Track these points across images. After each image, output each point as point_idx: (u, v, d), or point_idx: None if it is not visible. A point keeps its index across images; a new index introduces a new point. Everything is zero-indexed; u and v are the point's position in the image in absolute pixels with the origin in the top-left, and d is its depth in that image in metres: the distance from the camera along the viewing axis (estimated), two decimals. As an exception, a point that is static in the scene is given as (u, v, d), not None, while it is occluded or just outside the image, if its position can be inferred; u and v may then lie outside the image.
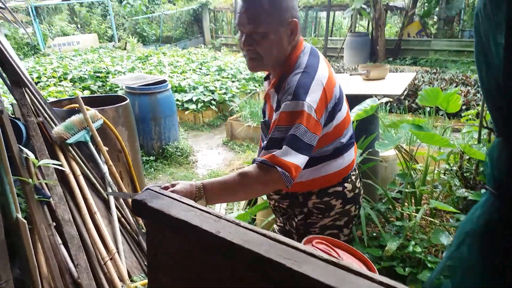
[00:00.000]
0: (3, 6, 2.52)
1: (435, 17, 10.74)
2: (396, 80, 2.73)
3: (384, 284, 0.60)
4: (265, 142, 1.24)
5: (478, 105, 4.83)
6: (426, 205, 2.29)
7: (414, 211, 2.28)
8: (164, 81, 4.62)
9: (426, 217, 2.40)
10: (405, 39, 10.30)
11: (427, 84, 6.13)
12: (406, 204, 2.41)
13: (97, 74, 7.09)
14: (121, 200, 2.42)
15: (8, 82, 2.23)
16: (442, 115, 4.72)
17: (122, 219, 2.34)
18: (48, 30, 12.43)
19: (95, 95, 5.85)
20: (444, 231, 1.98)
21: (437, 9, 10.40)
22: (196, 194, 1.11)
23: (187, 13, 14.53)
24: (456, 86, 6.15)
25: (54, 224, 1.93)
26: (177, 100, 5.70)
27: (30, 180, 1.87)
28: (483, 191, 2.21)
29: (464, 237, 0.80)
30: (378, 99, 2.42)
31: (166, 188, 1.10)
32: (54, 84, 6.42)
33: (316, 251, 0.72)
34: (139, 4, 14.23)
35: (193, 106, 5.75)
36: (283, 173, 1.13)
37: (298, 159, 1.17)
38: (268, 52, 1.29)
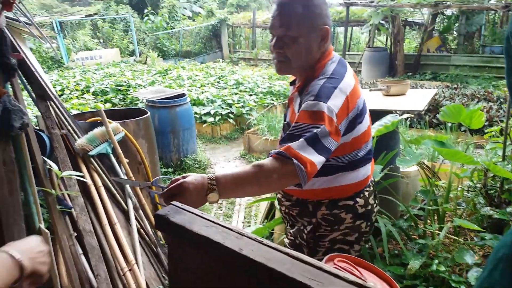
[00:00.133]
0: (29, 22, 2.62)
1: (455, 32, 10.64)
2: (417, 96, 2.70)
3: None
4: (283, 137, 1.22)
5: (501, 121, 4.72)
6: (449, 223, 2.23)
7: (437, 229, 2.23)
8: (183, 94, 4.69)
9: (450, 235, 2.34)
10: (425, 54, 10.21)
11: (448, 100, 6.04)
12: (428, 221, 2.35)
13: (119, 88, 7.25)
14: (141, 212, 2.44)
15: (33, 95, 2.30)
16: (464, 130, 4.62)
17: (141, 230, 2.35)
18: (72, 44, 12.84)
19: (117, 108, 5.97)
20: (468, 250, 1.93)
21: (457, 24, 10.31)
22: (208, 187, 1.06)
23: (206, 29, 14.82)
24: (478, 102, 6.03)
25: (75, 234, 1.95)
26: (195, 113, 5.77)
27: (53, 191, 1.91)
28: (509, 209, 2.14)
29: (497, 262, 0.77)
30: (400, 115, 2.39)
31: (177, 180, 1.07)
32: (77, 97, 6.59)
33: (341, 271, 0.71)
34: (160, 20, 14.61)
35: (211, 119, 5.80)
36: (298, 166, 1.09)
37: (314, 157, 1.13)
38: (297, 56, 1.30)
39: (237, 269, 0.78)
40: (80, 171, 2.15)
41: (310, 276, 0.66)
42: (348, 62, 1.47)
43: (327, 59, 1.34)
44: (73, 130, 2.31)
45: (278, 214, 2.55)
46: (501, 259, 0.77)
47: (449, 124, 4.59)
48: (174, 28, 14.95)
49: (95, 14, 15.51)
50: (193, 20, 15.79)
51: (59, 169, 1.98)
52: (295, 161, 1.09)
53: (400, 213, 2.57)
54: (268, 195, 2.85)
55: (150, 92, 4.99)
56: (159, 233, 2.52)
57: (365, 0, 9.69)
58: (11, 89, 1.99)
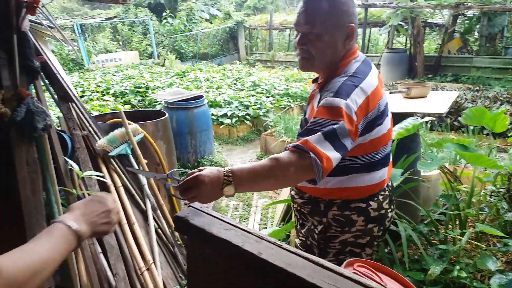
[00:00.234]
0: (52, 25, 2.68)
1: (477, 34, 10.40)
2: (438, 99, 2.65)
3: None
4: (300, 132, 1.21)
5: (526, 124, 4.56)
6: (471, 228, 2.18)
7: (458, 234, 2.17)
8: (201, 96, 4.72)
9: (472, 241, 2.28)
10: (445, 56, 10.02)
11: (469, 102, 5.90)
12: (450, 226, 2.30)
13: (138, 89, 7.36)
14: (159, 212, 2.46)
15: (55, 96, 2.35)
16: (486, 134, 4.51)
17: (159, 230, 2.38)
18: (92, 47, 13.11)
19: (136, 109, 6.06)
20: (491, 256, 1.88)
21: (478, 26, 10.08)
22: (224, 180, 1.04)
23: (223, 31, 14.91)
24: (501, 105, 5.88)
25: (94, 234, 1.98)
26: (213, 114, 5.80)
27: (74, 191, 1.94)
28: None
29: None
30: (421, 118, 2.35)
31: (192, 172, 1.06)
32: (97, 98, 6.72)
33: (362, 277, 0.69)
34: (178, 23, 14.78)
35: (228, 121, 5.82)
36: (314, 160, 1.07)
37: (331, 153, 1.11)
38: (320, 53, 1.29)
39: (255, 272, 0.77)
40: (100, 171, 2.19)
41: (331, 282, 0.65)
42: (367, 63, 1.44)
43: (351, 57, 1.32)
44: (94, 131, 2.35)
45: (295, 217, 2.54)
46: None
47: (471, 127, 4.48)
48: (191, 31, 15.10)
49: (115, 17, 15.80)
50: (211, 23, 15.91)
51: (80, 169, 2.01)
52: (312, 154, 1.08)
53: (421, 217, 2.52)
54: (285, 197, 2.83)
55: (168, 94, 5.04)
56: (177, 234, 2.53)
57: (383, 1, 9.57)
58: (34, 91, 2.04)
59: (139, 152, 2.44)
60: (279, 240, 0.85)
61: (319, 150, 1.09)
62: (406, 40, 10.85)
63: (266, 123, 6.04)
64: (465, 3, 8.73)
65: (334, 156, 1.12)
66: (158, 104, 6.33)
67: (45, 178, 1.88)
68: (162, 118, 2.90)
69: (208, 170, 1.05)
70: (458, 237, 2.16)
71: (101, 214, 0.80)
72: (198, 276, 0.92)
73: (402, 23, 9.87)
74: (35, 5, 1.70)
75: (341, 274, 0.68)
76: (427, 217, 2.26)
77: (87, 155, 2.18)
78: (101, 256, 1.95)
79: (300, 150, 1.10)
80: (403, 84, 2.89)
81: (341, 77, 1.25)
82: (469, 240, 2.28)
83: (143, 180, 2.40)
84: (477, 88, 7.37)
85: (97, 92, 7.19)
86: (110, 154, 2.27)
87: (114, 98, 6.88)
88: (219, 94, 6.93)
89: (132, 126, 2.51)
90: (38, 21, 2.49)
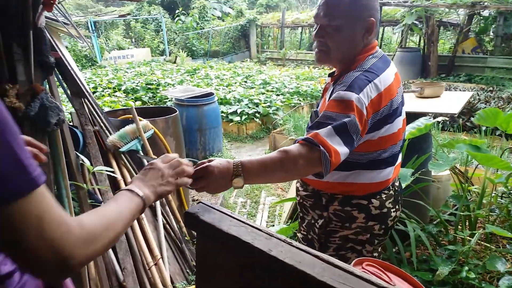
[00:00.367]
0: (67, 22, 2.71)
1: (492, 34, 10.22)
2: (451, 99, 2.61)
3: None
4: (310, 125, 1.21)
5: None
6: (481, 229, 2.15)
7: (468, 235, 2.15)
8: (211, 93, 4.73)
9: (481, 242, 2.26)
10: (459, 56, 9.87)
11: (483, 103, 5.82)
12: (459, 227, 2.28)
13: (149, 86, 7.41)
14: (167, 208, 2.48)
15: (68, 92, 2.38)
16: (499, 135, 4.44)
17: (167, 226, 2.39)
18: (105, 43, 13.22)
19: (147, 106, 6.10)
20: (500, 258, 1.86)
21: (494, 26, 9.90)
22: (234, 172, 1.04)
23: (235, 29, 14.91)
24: (515, 105, 5.78)
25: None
26: (222, 112, 5.81)
27: (85, 185, 1.97)
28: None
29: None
30: (433, 118, 2.32)
31: (202, 163, 1.06)
32: (109, 94, 6.78)
33: (372, 276, 0.69)
34: (190, 20, 14.83)
35: (237, 118, 5.83)
36: (323, 154, 1.07)
37: (340, 148, 1.11)
38: (337, 46, 1.28)
39: (265, 269, 0.77)
40: (111, 166, 2.21)
41: (341, 280, 0.64)
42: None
43: (369, 53, 1.31)
44: (105, 126, 2.38)
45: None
46: None
47: (484, 128, 4.42)
48: (204, 28, 15.13)
49: (128, 14, 15.91)
50: (223, 21, 15.93)
51: (91, 164, 2.03)
52: (321, 148, 1.07)
53: (430, 218, 2.50)
54: (293, 195, 2.83)
55: (178, 91, 5.07)
56: (184, 230, 2.55)
57: (398, 0, 9.46)
58: (48, 86, 2.06)
59: (149, 148, 2.46)
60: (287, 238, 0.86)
61: (329, 144, 1.09)
62: (419, 39, 10.72)
63: (276, 121, 6.02)
64: (482, 3, 8.57)
65: (342, 150, 1.12)
66: (169, 101, 6.37)
67: (56, 172, 1.91)
68: (173, 115, 2.92)
69: (217, 161, 1.06)
70: (468, 238, 2.15)
71: (158, 178, 0.89)
72: (207, 271, 0.92)
73: (416, 22, 9.74)
74: (52, 1, 1.72)
75: (351, 273, 0.68)
76: (437, 217, 2.24)
77: (98, 151, 2.21)
78: (110, 250, 1.97)
79: (309, 143, 1.10)
80: (416, 83, 2.86)
81: (355, 72, 1.24)
82: (479, 241, 2.26)
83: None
84: (491, 88, 7.25)
85: (109, 88, 7.26)
86: (121, 149, 2.29)
87: (125, 94, 6.94)
88: (229, 92, 6.93)
89: (143, 122, 2.53)
90: (54, 17, 2.52)
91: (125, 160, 2.33)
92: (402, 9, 10.01)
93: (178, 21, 15.07)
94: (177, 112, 3.03)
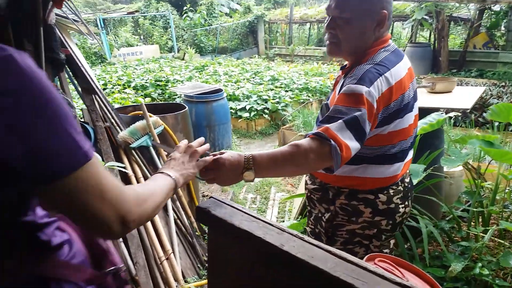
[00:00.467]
0: (77, 19, 2.73)
1: (503, 28, 10.04)
2: (463, 94, 2.58)
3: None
4: (321, 119, 1.20)
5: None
6: (495, 225, 2.12)
7: (481, 231, 2.12)
8: (220, 90, 4.73)
9: (495, 238, 2.23)
10: (471, 51, 9.72)
11: (495, 98, 5.74)
12: (473, 223, 2.25)
13: (158, 83, 7.44)
14: (178, 203, 2.49)
15: (79, 89, 2.39)
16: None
17: (178, 221, 2.41)
18: (114, 40, 13.30)
19: (157, 102, 6.13)
20: (514, 254, 1.82)
21: (505, 20, 9.73)
22: (245, 165, 1.05)
23: (243, 25, 14.88)
24: (528, 101, 5.69)
25: (116, 223, 2.02)
26: (231, 108, 5.81)
27: (96, 181, 1.98)
28: None
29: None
30: (445, 113, 2.30)
31: (214, 155, 1.07)
32: (118, 91, 6.83)
33: (385, 272, 0.68)
34: (198, 17, 14.84)
35: (246, 114, 5.82)
36: (334, 148, 1.06)
37: (351, 142, 1.10)
38: (348, 39, 1.27)
39: (277, 264, 0.77)
40: (122, 162, 2.23)
41: (354, 275, 0.64)
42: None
43: (381, 46, 1.29)
44: (116, 123, 2.39)
45: (313, 212, 2.53)
46: None
47: (496, 124, 4.35)
48: (211, 25, 15.13)
49: (136, 11, 15.96)
50: (231, 17, 15.91)
51: (103, 160, 2.05)
52: (332, 142, 1.07)
53: (442, 214, 2.48)
54: (303, 191, 2.82)
55: (187, 87, 5.08)
56: (195, 225, 2.56)
57: (407, -6, 9.36)
58: (58, 83, 2.08)
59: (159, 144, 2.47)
60: (298, 233, 0.86)
61: (340, 139, 1.08)
62: (430, 34, 10.58)
63: (285, 117, 6.01)
64: (492, -3, 8.43)
65: (353, 145, 1.11)
66: (178, 97, 6.39)
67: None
68: (182, 111, 2.93)
69: (228, 154, 1.07)
70: (481, 234, 2.12)
71: (180, 165, 0.98)
72: (219, 266, 0.93)
73: (427, 17, 9.62)
74: (61, -2, 1.73)
75: (364, 268, 0.67)
76: (449, 213, 2.22)
77: (109, 147, 2.22)
78: (122, 245, 1.99)
79: (320, 137, 1.09)
80: (427, 78, 2.82)
81: (366, 65, 1.22)
82: (492, 238, 2.22)
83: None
84: (503, 83, 7.15)
85: (119, 85, 7.31)
86: (132, 145, 2.31)
87: (135, 91, 6.98)
88: (238, 88, 6.93)
89: (153, 118, 2.55)
90: (64, 14, 2.54)
91: (136, 156, 2.34)
92: (411, 3, 9.89)
93: (186, 18, 15.09)
94: (187, 108, 3.03)
